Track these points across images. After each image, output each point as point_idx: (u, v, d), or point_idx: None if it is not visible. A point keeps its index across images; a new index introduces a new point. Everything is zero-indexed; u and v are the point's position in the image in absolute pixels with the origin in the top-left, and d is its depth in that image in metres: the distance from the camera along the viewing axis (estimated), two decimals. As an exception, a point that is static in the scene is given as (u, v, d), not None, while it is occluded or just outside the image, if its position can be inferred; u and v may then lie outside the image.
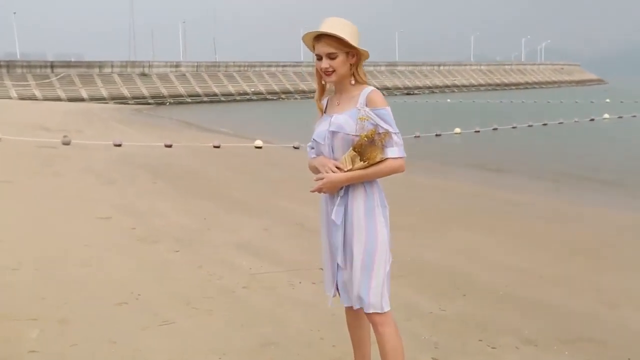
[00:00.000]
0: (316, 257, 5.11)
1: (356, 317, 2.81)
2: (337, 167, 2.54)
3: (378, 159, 2.49)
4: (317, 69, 2.62)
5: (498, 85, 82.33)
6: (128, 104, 51.44)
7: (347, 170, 2.52)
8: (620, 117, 25.56)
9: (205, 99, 58.19)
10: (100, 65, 58.83)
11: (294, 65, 71.12)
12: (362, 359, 2.89)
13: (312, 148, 2.75)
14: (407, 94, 66.01)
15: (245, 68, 67.31)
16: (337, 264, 2.64)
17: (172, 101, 55.44)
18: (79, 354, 3.31)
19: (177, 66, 63.63)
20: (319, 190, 2.61)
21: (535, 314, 4.09)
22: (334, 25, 2.52)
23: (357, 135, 2.51)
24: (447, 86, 77.07)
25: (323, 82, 2.67)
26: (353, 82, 2.61)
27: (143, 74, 59.51)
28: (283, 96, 62.59)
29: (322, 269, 4.76)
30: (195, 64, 65.17)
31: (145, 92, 56.47)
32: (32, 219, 6.68)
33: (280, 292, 4.44)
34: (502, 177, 11.95)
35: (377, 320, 2.60)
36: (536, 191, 9.81)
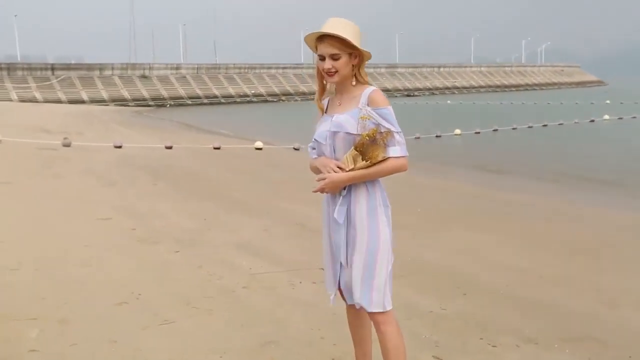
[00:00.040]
0: (316, 257, 5.11)
1: (357, 315, 2.81)
2: (339, 167, 2.54)
3: (380, 158, 2.49)
4: (318, 69, 2.62)
5: (498, 86, 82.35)
6: (128, 106, 51.49)
7: (349, 170, 2.52)
8: (621, 118, 25.57)
9: (206, 100, 58.23)
10: (101, 67, 58.91)
11: (294, 67, 71.17)
12: (363, 358, 2.89)
13: (314, 149, 2.75)
14: (407, 95, 66.02)
15: (246, 70, 67.37)
16: (340, 264, 2.63)
17: (172, 103, 55.47)
18: (79, 353, 3.30)
19: (177, 68, 63.70)
20: (321, 190, 2.60)
21: (536, 313, 4.08)
22: (337, 26, 2.52)
23: (358, 135, 2.51)
24: (447, 88, 77.09)
25: (324, 83, 2.67)
26: (354, 82, 2.61)
27: (143, 76, 59.57)
28: (283, 98, 62.62)
29: (322, 268, 4.79)
30: (196, 66, 65.25)
31: (145, 94, 56.52)
32: (32, 219, 6.68)
33: (281, 292, 4.43)
34: (502, 178, 11.95)
35: (379, 319, 2.60)
36: (536, 192, 9.81)
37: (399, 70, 78.13)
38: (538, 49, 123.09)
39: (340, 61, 2.53)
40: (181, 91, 59.02)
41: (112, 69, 59.05)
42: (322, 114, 2.73)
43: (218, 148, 15.22)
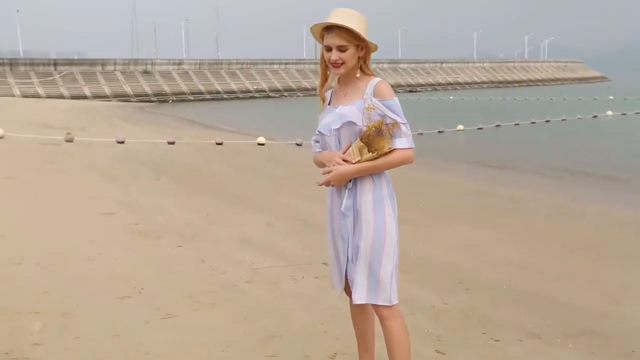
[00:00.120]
0: (319, 252, 5.13)
1: (361, 310, 2.80)
2: (344, 160, 2.51)
3: (386, 150, 2.46)
4: (322, 60, 2.59)
5: (501, 82, 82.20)
6: (131, 101, 51.56)
7: (356, 162, 2.49)
8: (624, 114, 25.50)
9: (208, 96, 58.26)
10: (103, 63, 58.97)
11: (297, 63, 71.18)
12: (365, 352, 2.89)
13: (317, 142, 2.72)
14: (410, 91, 65.94)
15: (248, 66, 67.38)
16: (347, 258, 2.61)
17: (174, 99, 55.51)
18: (82, 346, 3.31)
19: (179, 64, 63.73)
20: (327, 183, 2.58)
21: (539, 308, 4.08)
22: (345, 17, 2.48)
23: (364, 126, 2.49)
24: (449, 84, 76.99)
25: (328, 73, 2.64)
26: (359, 74, 2.58)
27: (146, 72, 59.59)
28: (286, 94, 62.61)
29: (325, 263, 4.80)
30: (198, 61, 65.27)
31: (148, 89, 56.55)
32: (35, 214, 6.69)
33: (283, 287, 4.44)
34: (505, 174, 11.93)
35: (384, 314, 2.58)
36: (538, 187, 9.79)
37: (402, 65, 78.07)
38: (541, 44, 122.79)
39: (347, 53, 2.50)
40: (183, 87, 59.04)
41: (115, 64, 59.11)
42: (323, 103, 2.71)
43: (220, 144, 15.23)
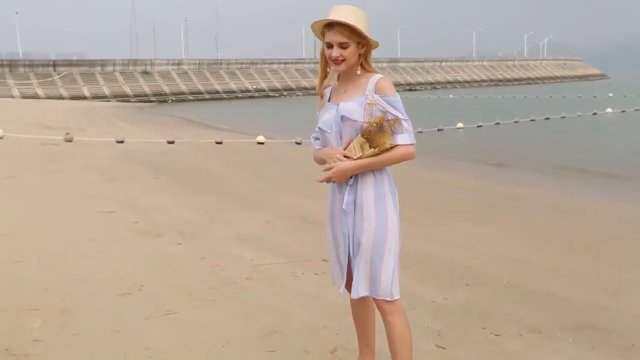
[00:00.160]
0: (319, 249, 5.13)
1: (362, 305, 2.80)
2: (345, 156, 2.50)
3: (387, 146, 2.45)
4: (323, 56, 2.58)
5: (500, 80, 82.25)
6: (130, 101, 51.59)
7: (357, 158, 2.48)
8: (624, 111, 25.51)
9: (207, 96, 58.30)
10: (103, 63, 59.00)
11: (296, 62, 71.20)
12: (366, 347, 2.89)
13: (317, 139, 2.71)
14: (410, 90, 65.96)
15: (247, 65, 67.41)
16: (349, 254, 2.60)
17: (174, 99, 55.54)
18: (82, 343, 3.32)
19: (179, 64, 63.77)
20: (328, 180, 2.56)
21: (539, 303, 4.09)
22: (346, 14, 2.47)
23: (365, 122, 2.48)
24: (449, 82, 77.03)
25: (328, 70, 2.64)
26: (359, 71, 2.57)
27: (145, 72, 59.63)
28: (285, 93, 62.65)
29: (325, 260, 4.80)
30: (197, 61, 65.31)
31: (147, 90, 56.59)
32: (35, 213, 6.69)
33: (283, 283, 4.44)
34: (504, 171, 11.94)
35: (386, 309, 2.57)
36: (538, 185, 9.79)
37: (401, 64, 78.11)
38: (540, 42, 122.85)
39: (349, 50, 2.49)
40: (183, 87, 59.07)
41: (114, 65, 59.15)
42: (322, 99, 2.70)
43: (220, 143, 15.23)
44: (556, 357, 3.28)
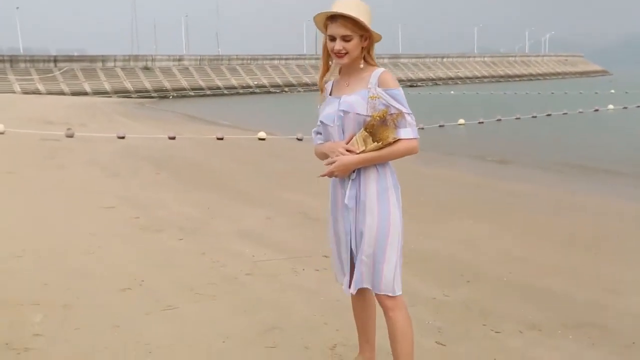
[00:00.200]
0: (319, 245, 5.13)
1: (363, 303, 2.79)
2: (348, 150, 2.48)
3: (390, 140, 2.43)
4: (325, 49, 2.55)
5: (502, 77, 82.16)
6: (131, 97, 51.58)
7: (360, 152, 2.46)
8: (625, 108, 25.45)
9: (209, 92, 58.28)
10: (104, 59, 58.97)
11: (297, 58, 71.09)
12: (366, 343, 2.88)
13: (319, 133, 2.69)
14: (411, 86, 65.86)
15: (248, 61, 67.33)
16: (351, 250, 2.58)
17: (175, 95, 55.53)
18: (82, 337, 3.32)
19: (180, 60, 63.72)
20: (330, 174, 2.53)
21: (539, 300, 4.08)
22: (350, 6, 2.44)
23: (368, 116, 2.45)
24: (450, 78, 76.92)
25: (330, 63, 2.61)
26: (362, 65, 2.55)
27: (146, 68, 59.60)
28: (286, 89, 62.61)
29: (326, 256, 4.80)
30: (198, 57, 65.24)
31: (148, 85, 56.57)
32: (36, 209, 6.69)
33: (284, 279, 4.44)
34: (505, 168, 11.92)
35: (388, 305, 2.56)
36: (539, 182, 9.77)
37: (402, 60, 77.99)
38: (542, 38, 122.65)
39: (352, 43, 2.47)
40: (184, 83, 59.05)
41: (115, 60, 59.11)
42: (322, 93, 2.67)
43: (221, 139, 15.21)
44: (556, 354, 3.28)
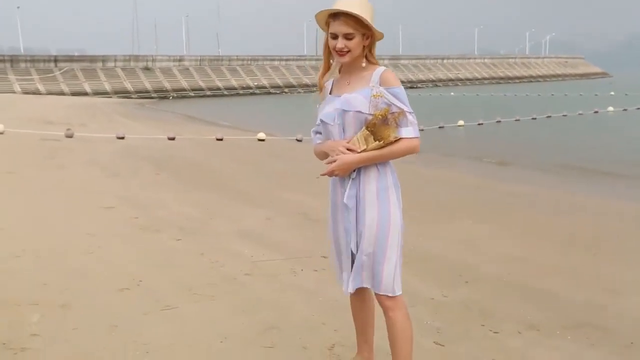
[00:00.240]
0: (319, 245, 5.13)
1: (362, 303, 2.78)
2: (349, 149, 2.45)
3: (392, 139, 2.41)
4: (326, 47, 2.53)
5: (502, 78, 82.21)
6: (131, 98, 51.58)
7: (361, 151, 2.44)
8: (625, 110, 25.47)
9: (209, 93, 58.31)
10: (104, 59, 58.99)
11: (297, 59, 71.11)
12: (365, 343, 2.87)
13: (318, 133, 2.67)
14: (411, 87, 65.83)
15: (249, 62, 67.37)
16: (351, 251, 2.56)
17: (175, 95, 55.55)
18: (79, 337, 3.31)
19: (180, 60, 63.75)
20: (331, 173, 2.51)
21: (538, 301, 4.07)
22: (353, 4, 2.41)
23: (370, 114, 2.43)
24: (450, 80, 76.97)
25: (331, 61, 2.59)
26: (364, 63, 2.52)
27: (146, 68, 59.63)
28: (286, 90, 62.62)
29: (324, 257, 4.79)
30: (199, 58, 65.27)
31: (148, 86, 56.59)
32: (36, 208, 6.69)
33: (283, 280, 4.43)
34: (505, 169, 11.92)
35: (387, 305, 2.54)
36: (539, 183, 9.77)
37: (403, 62, 78.01)
38: (542, 40, 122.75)
39: (354, 41, 2.44)
40: (184, 83, 59.07)
41: (115, 60, 59.14)
42: (321, 91, 2.66)
43: (221, 139, 15.21)
44: (555, 354, 3.28)
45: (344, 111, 2.48)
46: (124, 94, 53.31)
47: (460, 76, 79.28)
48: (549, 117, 22.64)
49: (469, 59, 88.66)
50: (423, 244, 5.46)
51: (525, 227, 6.37)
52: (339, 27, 2.43)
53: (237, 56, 68.00)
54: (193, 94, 56.79)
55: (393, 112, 2.42)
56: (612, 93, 39.74)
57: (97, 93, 52.10)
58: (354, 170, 2.50)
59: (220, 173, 10.21)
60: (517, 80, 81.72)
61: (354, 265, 2.55)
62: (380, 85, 2.46)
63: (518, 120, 21.63)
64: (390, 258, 2.50)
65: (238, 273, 4.54)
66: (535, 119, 22.07)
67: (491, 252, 5.35)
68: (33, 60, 55.36)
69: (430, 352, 3.26)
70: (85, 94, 51.43)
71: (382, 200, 2.49)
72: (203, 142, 15.11)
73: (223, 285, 4.26)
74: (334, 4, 2.44)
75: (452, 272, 4.70)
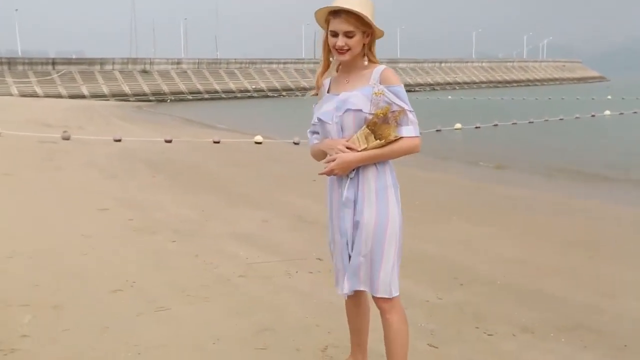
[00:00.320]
0: (314, 247, 5.11)
1: (357, 307, 2.75)
2: (348, 148, 2.41)
3: (392, 138, 2.38)
4: (326, 45, 2.49)
5: (500, 82, 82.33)
6: (129, 100, 51.53)
7: (362, 150, 2.40)
8: (622, 114, 25.53)
9: (206, 95, 58.27)
10: (102, 62, 58.95)
11: (295, 62, 71.17)
12: (357, 346, 2.85)
13: (315, 133, 2.62)
14: (409, 91, 64.45)
15: (247, 65, 67.39)
16: (348, 253, 2.51)
17: (173, 98, 55.50)
18: (70, 338, 3.29)
19: (178, 63, 63.73)
20: (330, 172, 2.46)
21: (533, 303, 4.06)
22: (353, 1, 2.37)
23: (370, 113, 2.39)
24: (448, 83, 77.07)
25: (331, 59, 2.55)
26: (366, 62, 2.49)
27: (144, 71, 59.59)
28: (284, 93, 62.60)
29: (320, 259, 4.78)
30: (197, 60, 65.27)
31: (146, 89, 56.54)
32: (32, 210, 6.67)
33: (277, 281, 4.41)
34: (502, 172, 11.92)
35: (384, 307, 2.51)
36: (536, 186, 9.77)
37: (400, 65, 78.03)
38: (540, 44, 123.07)
39: (354, 39, 2.41)
40: (182, 86, 59.03)
41: (113, 63, 59.10)
42: (318, 90, 2.62)
43: (218, 142, 15.20)
44: (549, 356, 3.26)
45: (343, 109, 2.44)
46: (121, 96, 53.25)
47: (458, 80, 79.38)
48: (546, 120, 22.68)
49: (467, 62, 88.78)
50: (418, 246, 5.44)
51: (521, 230, 6.36)
52: (339, 24, 2.40)
53: (235, 59, 68.04)
54: (191, 97, 56.75)
55: (394, 111, 2.39)
56: (609, 97, 39.83)
57: (94, 96, 52.03)
58: (353, 170, 2.46)
59: (217, 175, 10.19)
60: (515, 84, 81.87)
61: (350, 266, 2.52)
62: (380, 83, 2.43)
63: (515, 123, 21.66)
64: (388, 259, 2.47)
65: (232, 275, 4.52)
66: (532, 122, 22.10)
67: (487, 254, 5.34)
68: (31, 62, 55.32)
69: (424, 354, 3.25)
70: (83, 96, 51.35)
71: (380, 199, 2.45)
72: (200, 144, 15.09)
73: (217, 286, 4.25)
74: (334, 1, 2.41)
75: (447, 274, 4.68)
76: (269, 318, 3.66)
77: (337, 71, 2.59)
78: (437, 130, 19.06)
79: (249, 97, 59.77)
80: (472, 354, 3.26)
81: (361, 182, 2.46)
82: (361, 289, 2.53)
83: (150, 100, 52.73)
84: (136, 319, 3.60)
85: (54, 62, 56.32)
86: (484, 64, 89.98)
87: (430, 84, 74.91)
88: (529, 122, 22.02)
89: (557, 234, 6.20)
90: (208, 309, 3.82)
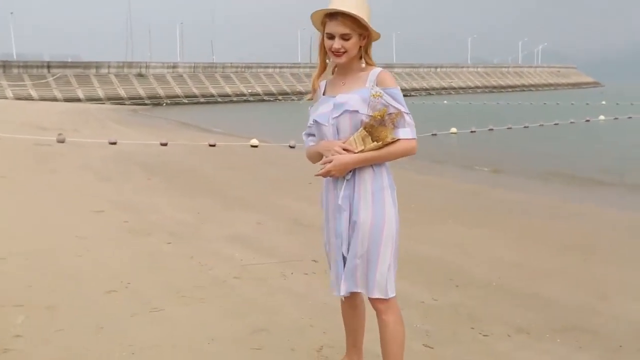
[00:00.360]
0: (309, 249, 5.11)
1: (354, 309, 2.75)
2: (345, 149, 2.41)
3: (389, 140, 2.39)
4: (322, 47, 2.49)
5: (495, 87, 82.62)
6: (125, 104, 51.43)
7: (359, 152, 2.40)
8: (616, 119, 25.66)
9: (202, 99, 58.23)
10: (97, 65, 58.83)
11: (291, 67, 71.22)
12: (353, 347, 2.84)
13: (310, 135, 2.63)
14: (405, 95, 64.91)
15: (242, 69, 67.36)
16: (343, 255, 2.51)
17: (168, 102, 55.43)
18: (64, 338, 3.27)
19: (174, 67, 63.67)
20: (327, 173, 2.46)
21: (528, 305, 4.07)
22: (350, 4, 2.38)
23: (367, 115, 2.40)
24: (444, 88, 77.28)
25: (327, 62, 2.54)
26: (364, 64, 2.49)
27: (140, 75, 59.51)
28: (280, 97, 62.62)
29: (315, 260, 4.78)
30: (193, 64, 65.19)
31: (142, 92, 56.45)
32: (26, 212, 6.64)
33: (272, 283, 4.41)
34: (497, 176, 11.94)
35: (380, 308, 2.50)
36: (531, 190, 9.79)
37: (396, 70, 78.18)
38: (535, 49, 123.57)
39: (351, 41, 2.41)
40: (178, 90, 58.97)
41: (109, 67, 58.99)
42: (314, 93, 2.62)
43: (213, 145, 15.18)
44: (545, 357, 3.27)
45: (340, 111, 2.45)
46: (117, 100, 53.15)
47: (454, 85, 79.62)
48: (541, 125, 22.75)
49: (462, 67, 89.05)
50: (414, 247, 5.45)
51: (516, 233, 6.38)
52: (336, 27, 2.40)
53: (231, 63, 68.00)
54: (186, 101, 56.70)
55: (390, 113, 2.40)
56: (604, 102, 40.04)
57: (90, 99, 51.91)
58: (350, 172, 2.46)
59: (212, 179, 10.17)
60: (510, 89, 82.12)
61: (345, 268, 2.51)
62: (377, 85, 2.44)
63: (510, 128, 21.74)
64: (384, 260, 2.47)
65: (227, 276, 4.51)
66: (527, 127, 22.18)
67: (482, 256, 5.35)
68: (26, 66, 55.13)
69: (420, 354, 3.24)
70: (78, 100, 51.22)
71: (377, 201, 2.46)
72: (196, 148, 15.07)
73: (212, 288, 4.23)
74: (331, 4, 2.41)
75: (443, 275, 4.69)
76: (263, 319, 3.66)
77: (333, 74, 2.59)
78: (432, 135, 19.09)
79: (245, 101, 59.75)
80: (467, 355, 3.26)
81: (357, 183, 2.46)
82: (357, 290, 2.53)
83: (146, 104, 52.63)
84: (130, 319, 3.59)
85: (49, 66, 56.17)
86: (479, 69, 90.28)
87: (426, 89, 75.08)
88: (524, 127, 22.10)
89: (553, 237, 6.22)
90: (203, 309, 3.81)
